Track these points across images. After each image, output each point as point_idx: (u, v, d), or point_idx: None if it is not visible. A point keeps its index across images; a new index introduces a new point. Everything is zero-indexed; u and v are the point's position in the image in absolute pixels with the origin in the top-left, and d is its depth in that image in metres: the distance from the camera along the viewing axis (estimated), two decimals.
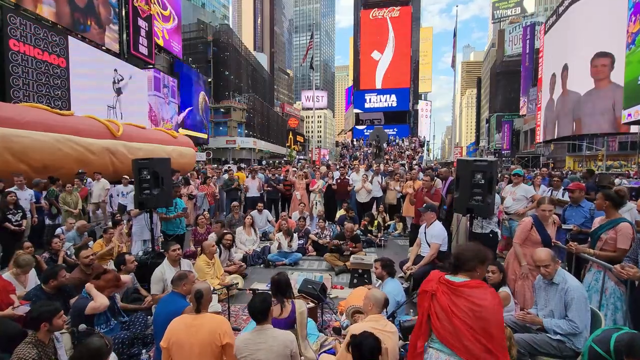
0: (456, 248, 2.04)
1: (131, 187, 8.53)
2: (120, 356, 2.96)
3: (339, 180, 8.94)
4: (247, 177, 9.95)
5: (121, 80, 22.18)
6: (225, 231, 5.92)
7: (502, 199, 5.89)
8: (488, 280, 3.39)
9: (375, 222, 8.03)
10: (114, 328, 3.21)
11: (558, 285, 2.71)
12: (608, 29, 25.62)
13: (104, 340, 2.17)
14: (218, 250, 5.33)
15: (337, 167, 12.56)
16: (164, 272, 3.88)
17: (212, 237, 6.21)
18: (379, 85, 43.59)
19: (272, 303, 2.53)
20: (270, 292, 2.81)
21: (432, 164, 18.51)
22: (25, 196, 6.24)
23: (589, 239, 3.61)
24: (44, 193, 7.02)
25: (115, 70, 21.80)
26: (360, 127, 43.55)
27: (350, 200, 8.95)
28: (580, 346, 2.48)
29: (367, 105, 43.51)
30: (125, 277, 3.31)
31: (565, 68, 31.65)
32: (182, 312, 2.72)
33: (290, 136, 71.73)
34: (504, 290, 3.20)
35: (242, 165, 20.79)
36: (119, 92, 22.03)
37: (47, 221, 6.78)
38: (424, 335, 1.94)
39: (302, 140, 78.10)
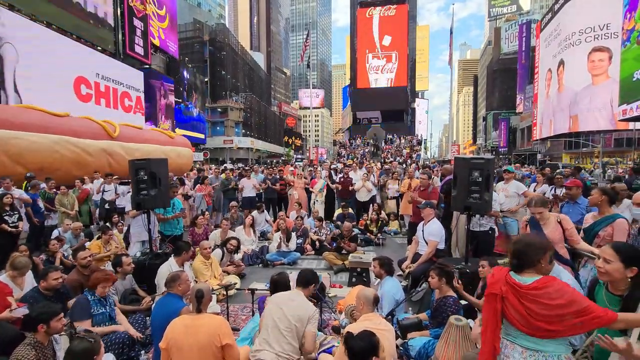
0: (513, 244, 1.91)
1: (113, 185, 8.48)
2: (119, 357, 2.94)
3: (342, 179, 8.92)
4: (242, 177, 9.92)
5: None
6: (231, 236, 5.88)
7: None
8: (479, 274, 3.42)
9: (379, 222, 8.03)
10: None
11: None
12: (604, 26, 25.72)
13: (88, 341, 2.13)
14: (221, 252, 5.32)
15: (341, 166, 12.54)
16: (171, 270, 3.89)
17: (213, 236, 6.20)
18: (375, 84, 43.60)
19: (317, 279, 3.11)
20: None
21: (430, 162, 18.57)
22: (16, 195, 6.13)
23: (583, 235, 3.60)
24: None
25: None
26: (357, 126, 43.59)
27: (350, 199, 8.95)
28: (574, 340, 2.50)
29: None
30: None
31: (561, 63, 31.68)
32: (179, 313, 2.71)
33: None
34: None
35: (227, 166, 20.51)
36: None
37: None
38: (499, 335, 1.87)
39: (298, 144, 77.64)
